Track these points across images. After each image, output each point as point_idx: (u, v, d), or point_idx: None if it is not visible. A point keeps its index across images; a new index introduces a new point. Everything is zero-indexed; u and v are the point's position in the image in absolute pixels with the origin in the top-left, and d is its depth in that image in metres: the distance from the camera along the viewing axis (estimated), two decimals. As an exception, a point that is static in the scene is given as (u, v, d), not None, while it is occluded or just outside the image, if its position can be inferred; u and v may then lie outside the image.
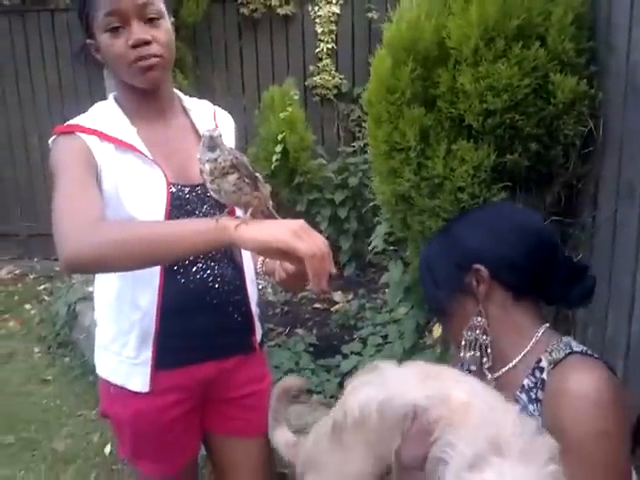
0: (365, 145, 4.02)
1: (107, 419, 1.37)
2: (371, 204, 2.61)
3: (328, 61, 4.58)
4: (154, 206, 1.19)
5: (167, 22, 1.22)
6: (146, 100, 1.25)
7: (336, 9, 4.49)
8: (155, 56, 1.18)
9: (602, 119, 1.63)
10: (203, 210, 1.25)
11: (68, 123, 1.21)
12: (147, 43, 1.16)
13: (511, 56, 1.61)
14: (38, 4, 4.89)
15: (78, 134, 1.18)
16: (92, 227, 1.02)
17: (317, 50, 4.58)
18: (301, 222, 0.96)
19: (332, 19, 4.51)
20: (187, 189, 1.24)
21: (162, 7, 1.20)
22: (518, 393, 1.03)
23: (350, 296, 3.49)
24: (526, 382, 1.02)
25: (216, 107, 1.42)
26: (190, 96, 1.41)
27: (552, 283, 1.08)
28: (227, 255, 1.29)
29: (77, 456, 2.69)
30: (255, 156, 3.83)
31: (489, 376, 1.09)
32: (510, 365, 1.06)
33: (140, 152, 1.21)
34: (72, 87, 4.89)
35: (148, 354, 1.24)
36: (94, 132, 1.18)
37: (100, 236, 1.00)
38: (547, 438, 0.82)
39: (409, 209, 1.94)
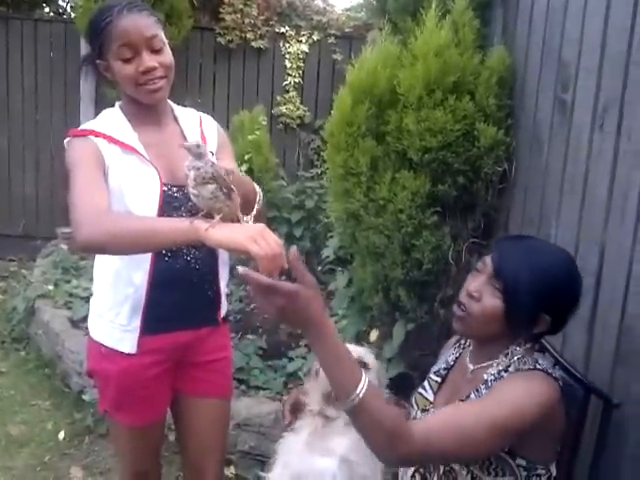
0: (322, 172, 4.30)
1: (92, 378, 1.58)
2: (323, 222, 2.90)
3: (294, 93, 4.94)
4: (149, 202, 1.42)
5: (168, 47, 1.44)
6: (146, 111, 1.47)
7: (305, 48, 4.89)
8: (161, 78, 1.42)
9: (514, 162, 2.01)
10: (188, 207, 1.45)
11: (81, 127, 1.43)
12: (154, 69, 1.40)
13: (447, 105, 1.99)
14: (21, 12, 5.07)
15: (90, 137, 1.39)
16: (102, 217, 1.24)
17: (285, 83, 4.93)
18: (261, 227, 1.18)
19: (300, 56, 4.90)
20: (175, 189, 1.45)
21: (163, 36, 1.43)
22: (481, 385, 1.21)
23: (299, 309, 3.72)
24: (490, 378, 1.20)
25: (201, 113, 1.64)
26: None
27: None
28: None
29: (31, 440, 2.76)
30: (221, 173, 4.05)
31: (470, 367, 1.30)
32: (487, 364, 1.23)
33: (140, 154, 1.43)
34: (47, 93, 5.01)
35: (137, 322, 1.47)
36: (104, 136, 1.40)
37: (107, 227, 1.23)
38: None
39: (357, 225, 2.27)
